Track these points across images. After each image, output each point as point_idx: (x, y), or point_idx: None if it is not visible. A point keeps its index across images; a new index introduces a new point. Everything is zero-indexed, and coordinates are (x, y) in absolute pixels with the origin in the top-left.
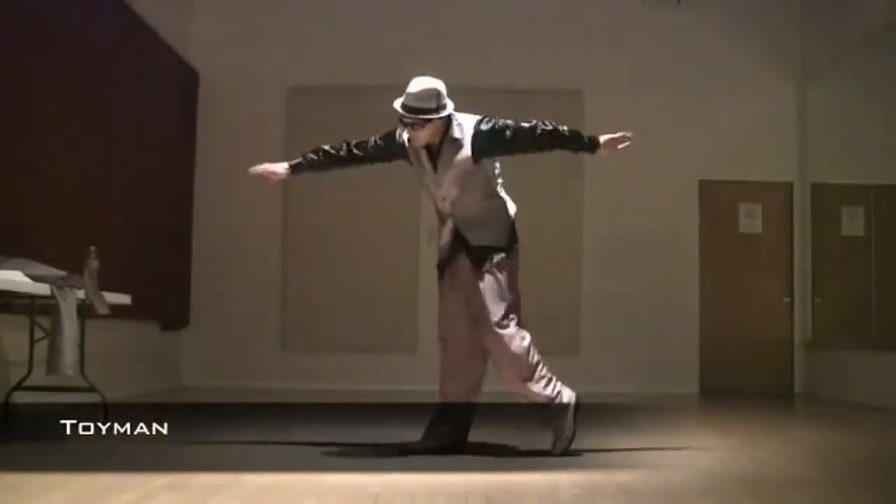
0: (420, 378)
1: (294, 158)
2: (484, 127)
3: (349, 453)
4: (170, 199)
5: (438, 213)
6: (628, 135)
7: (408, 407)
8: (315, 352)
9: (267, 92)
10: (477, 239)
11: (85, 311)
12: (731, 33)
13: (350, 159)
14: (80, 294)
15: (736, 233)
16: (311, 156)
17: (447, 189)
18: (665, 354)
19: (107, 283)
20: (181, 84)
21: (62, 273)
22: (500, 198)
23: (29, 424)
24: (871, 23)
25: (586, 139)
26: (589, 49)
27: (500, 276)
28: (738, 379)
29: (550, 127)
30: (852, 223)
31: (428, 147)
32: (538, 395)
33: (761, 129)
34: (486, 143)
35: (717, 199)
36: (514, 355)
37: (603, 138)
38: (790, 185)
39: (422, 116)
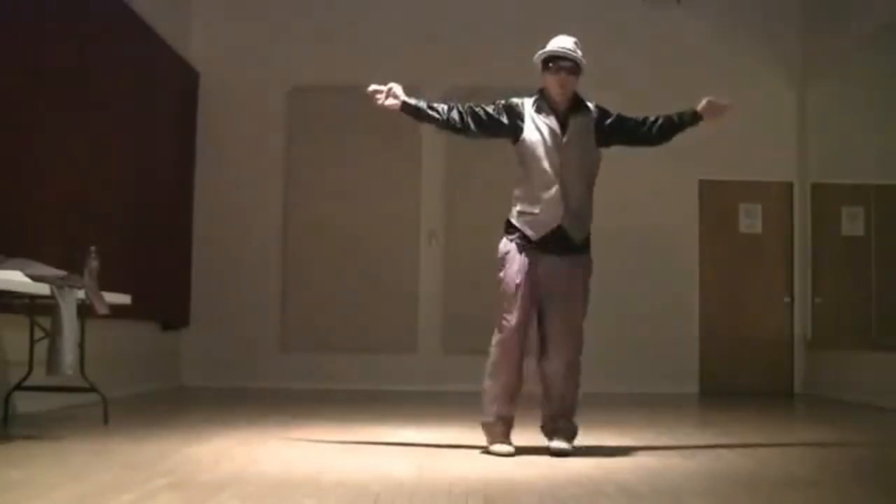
0: (420, 378)
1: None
2: (607, 115)
3: (349, 453)
4: (170, 199)
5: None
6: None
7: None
8: (315, 352)
9: (267, 92)
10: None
11: (85, 311)
12: (732, 33)
13: (460, 131)
14: (80, 294)
15: (736, 233)
16: (428, 111)
17: (568, 156)
18: (665, 354)
19: (107, 283)
20: (181, 84)
21: (62, 273)
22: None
23: (29, 424)
24: (870, 23)
25: (688, 119)
26: (588, 49)
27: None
28: (738, 379)
29: (661, 120)
30: (852, 223)
31: (554, 109)
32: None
33: (761, 129)
34: (610, 126)
35: (717, 199)
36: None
37: (702, 104)
38: (790, 185)
39: (578, 59)
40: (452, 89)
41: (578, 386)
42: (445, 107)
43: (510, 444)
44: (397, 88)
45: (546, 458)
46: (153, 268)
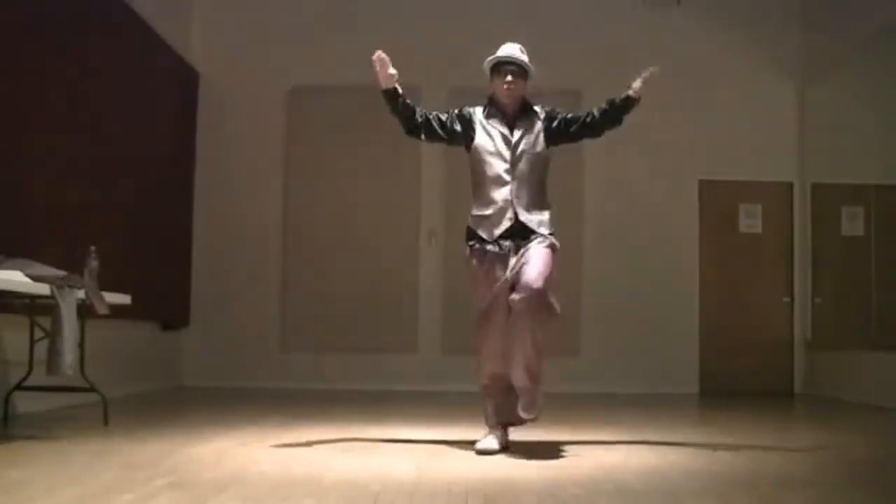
0: (420, 378)
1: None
2: (553, 117)
3: (349, 453)
4: (170, 199)
5: (488, 196)
6: (653, 70)
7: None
8: (315, 352)
9: (267, 92)
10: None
11: (85, 311)
12: (732, 34)
13: (429, 133)
14: (80, 294)
15: (736, 233)
16: (406, 105)
17: (518, 158)
18: (665, 354)
19: (107, 283)
20: (181, 84)
21: (62, 273)
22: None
23: (29, 424)
24: (870, 24)
25: (623, 103)
26: (589, 49)
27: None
28: (738, 379)
29: (598, 113)
30: (852, 223)
31: (503, 113)
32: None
33: (761, 129)
34: (557, 128)
35: (717, 199)
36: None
37: (634, 87)
38: (790, 185)
39: (524, 63)
40: (452, 89)
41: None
42: (417, 109)
43: (498, 439)
44: (397, 73)
45: (546, 458)
46: (153, 268)
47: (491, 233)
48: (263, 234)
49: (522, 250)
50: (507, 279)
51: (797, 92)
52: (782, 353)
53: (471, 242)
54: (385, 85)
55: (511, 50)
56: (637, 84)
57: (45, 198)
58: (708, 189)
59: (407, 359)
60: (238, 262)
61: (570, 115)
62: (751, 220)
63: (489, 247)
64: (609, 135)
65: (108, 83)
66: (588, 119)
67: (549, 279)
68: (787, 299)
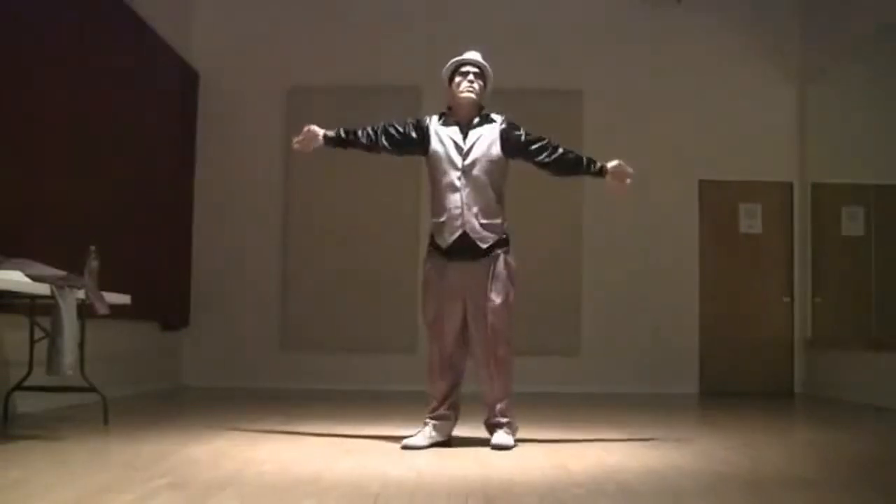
0: (420, 378)
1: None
2: (515, 128)
3: (349, 453)
4: (170, 199)
5: (442, 206)
6: (630, 171)
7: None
8: (315, 352)
9: (267, 92)
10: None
11: (85, 311)
12: (731, 33)
13: (377, 148)
14: (80, 294)
15: (736, 233)
16: (345, 134)
17: (470, 166)
18: (665, 354)
19: (107, 283)
20: (181, 84)
21: (62, 273)
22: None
23: (29, 424)
24: (870, 23)
25: (594, 170)
26: (589, 49)
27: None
28: (738, 379)
29: (564, 155)
30: (852, 223)
31: (458, 122)
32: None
33: (761, 129)
34: (517, 141)
35: (717, 199)
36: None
37: (610, 165)
38: (790, 185)
39: (482, 64)
40: None
41: (505, 379)
42: (361, 130)
43: (425, 434)
44: (314, 128)
45: (546, 458)
46: (153, 268)
47: (444, 240)
48: (263, 234)
49: (473, 277)
50: (458, 311)
51: (797, 92)
52: (782, 353)
53: (429, 248)
54: (317, 146)
55: (470, 54)
56: (614, 164)
57: (45, 198)
58: (708, 189)
59: (407, 359)
60: (238, 262)
61: (532, 135)
62: (751, 220)
63: (440, 255)
64: (609, 135)
65: (108, 83)
66: (549, 155)
67: (508, 334)
68: (787, 299)
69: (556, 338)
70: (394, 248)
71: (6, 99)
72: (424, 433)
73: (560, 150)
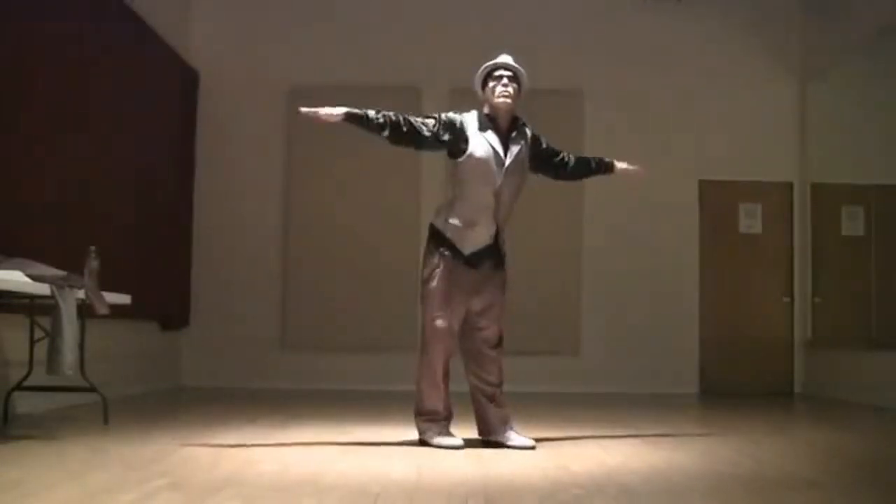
0: None
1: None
2: (539, 142)
3: (349, 453)
4: (170, 199)
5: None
6: (641, 170)
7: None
8: (315, 352)
9: (267, 92)
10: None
11: (85, 311)
12: (731, 33)
13: (402, 139)
14: (80, 294)
15: (736, 233)
16: (373, 117)
17: (507, 179)
18: (665, 354)
19: (107, 283)
20: (181, 84)
21: (62, 273)
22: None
23: (29, 424)
24: (871, 23)
25: (605, 168)
26: (589, 49)
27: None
28: (738, 379)
29: (577, 160)
30: (852, 223)
31: (497, 129)
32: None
33: (761, 129)
34: (542, 158)
35: (717, 199)
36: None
37: (620, 166)
38: (790, 185)
39: (515, 68)
40: (452, 89)
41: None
42: (383, 117)
43: (453, 438)
44: (324, 110)
45: (547, 458)
46: (153, 268)
47: (469, 247)
48: (263, 234)
49: (488, 286)
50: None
51: (797, 92)
52: (782, 353)
53: (442, 249)
54: (336, 119)
55: (507, 58)
56: (623, 166)
57: (45, 198)
58: (708, 189)
59: (407, 359)
60: (238, 262)
61: (551, 148)
62: (751, 220)
63: (457, 261)
64: (609, 135)
65: (108, 83)
66: (566, 162)
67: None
68: (786, 299)
69: (557, 338)
70: (394, 248)
71: (6, 99)
72: (451, 438)
73: (573, 160)
